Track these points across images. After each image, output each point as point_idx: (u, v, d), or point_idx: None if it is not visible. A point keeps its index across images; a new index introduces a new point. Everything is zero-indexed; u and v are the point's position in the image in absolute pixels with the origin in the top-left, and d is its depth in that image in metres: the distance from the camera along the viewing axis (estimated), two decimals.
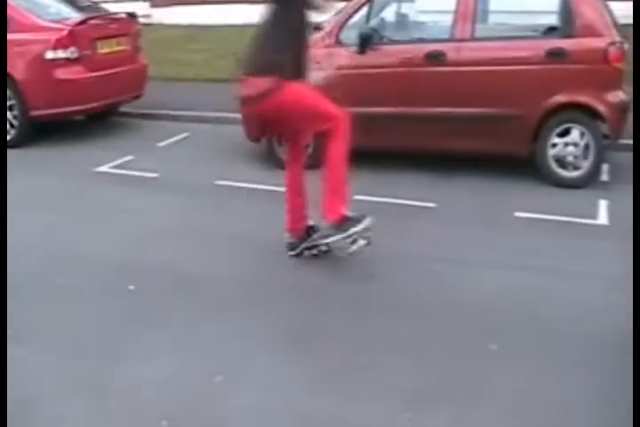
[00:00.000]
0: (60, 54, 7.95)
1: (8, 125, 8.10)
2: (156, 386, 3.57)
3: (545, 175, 6.48)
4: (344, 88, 6.75)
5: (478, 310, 4.28)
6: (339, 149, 4.68)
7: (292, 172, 5.09)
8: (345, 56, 6.82)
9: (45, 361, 3.81)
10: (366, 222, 4.65)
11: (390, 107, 6.63)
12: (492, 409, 3.34)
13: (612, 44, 6.18)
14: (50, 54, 7.90)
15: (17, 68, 7.93)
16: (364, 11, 6.86)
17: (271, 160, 7.23)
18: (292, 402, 3.42)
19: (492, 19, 7.00)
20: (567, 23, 6.36)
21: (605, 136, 6.37)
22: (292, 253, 5.05)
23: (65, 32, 7.98)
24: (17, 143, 8.10)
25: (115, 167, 7.34)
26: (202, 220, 5.83)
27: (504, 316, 4.20)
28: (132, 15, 9.09)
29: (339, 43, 6.86)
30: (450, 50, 6.53)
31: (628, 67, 6.25)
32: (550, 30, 6.55)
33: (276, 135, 5.04)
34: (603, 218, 5.68)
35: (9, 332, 3.90)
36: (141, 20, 9.84)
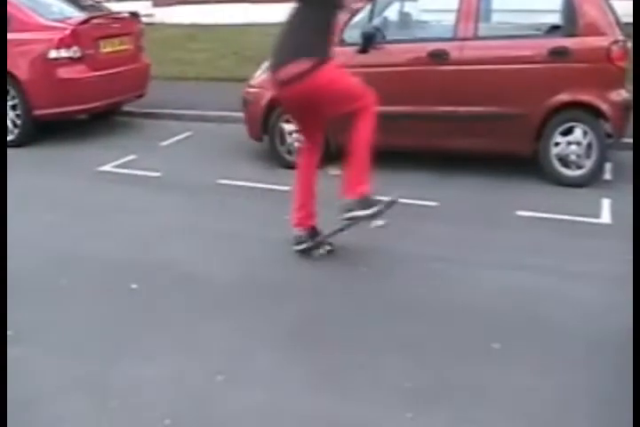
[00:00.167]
0: (63, 53, 7.96)
1: (11, 125, 8.11)
2: (158, 385, 3.56)
3: (548, 174, 6.47)
4: None
5: (479, 309, 4.27)
6: (366, 128, 4.76)
7: (306, 168, 5.09)
8: (347, 55, 6.80)
9: (46, 361, 3.81)
10: (388, 201, 4.81)
11: (393, 106, 6.60)
12: (493, 409, 3.33)
13: (615, 42, 6.17)
14: (53, 53, 7.91)
15: (20, 67, 7.94)
16: (367, 10, 6.85)
17: (274, 159, 7.24)
18: (292, 401, 3.42)
19: (495, 17, 7.00)
20: (570, 22, 6.35)
21: (608, 135, 6.36)
22: (299, 247, 5.02)
23: (68, 31, 7.99)
24: (20, 142, 8.11)
25: (117, 166, 7.35)
26: (204, 219, 5.84)
27: (505, 315, 4.19)
28: (134, 14, 9.10)
29: (341, 42, 6.84)
30: (453, 49, 6.53)
31: (630, 65, 6.24)
32: (553, 29, 6.54)
33: (298, 127, 5.05)
34: (605, 217, 5.68)
35: (10, 332, 3.92)
36: (143, 19, 9.84)
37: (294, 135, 7.06)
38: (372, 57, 6.70)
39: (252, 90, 7.31)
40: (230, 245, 5.28)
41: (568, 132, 6.34)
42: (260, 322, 4.17)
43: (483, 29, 6.61)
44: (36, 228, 5.68)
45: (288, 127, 7.08)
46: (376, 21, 6.92)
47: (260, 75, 7.36)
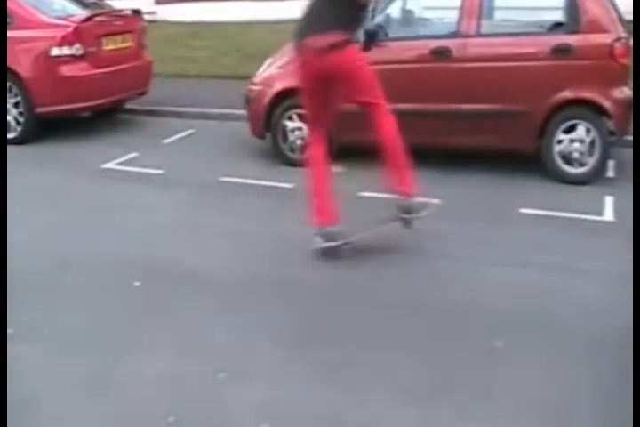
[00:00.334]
0: (66, 51, 7.96)
1: (14, 122, 8.12)
2: (161, 383, 3.57)
3: (550, 172, 6.47)
4: None
5: (482, 307, 4.27)
6: (391, 122, 4.90)
7: (318, 162, 5.11)
8: None
9: (49, 359, 3.82)
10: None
11: (396, 103, 6.57)
12: (496, 406, 3.34)
13: (618, 39, 6.17)
14: (55, 51, 7.91)
15: (22, 65, 7.94)
16: (370, 7, 6.83)
17: (276, 157, 7.24)
18: (295, 399, 3.43)
19: (498, 15, 6.99)
20: (573, 19, 6.34)
21: (611, 132, 6.36)
22: (326, 244, 4.95)
23: (70, 29, 7.99)
24: (23, 140, 8.12)
25: (120, 164, 7.35)
26: (207, 216, 5.84)
27: (508, 313, 4.19)
28: (136, 12, 9.10)
29: None
30: (455, 46, 6.52)
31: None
32: (556, 26, 6.53)
33: (310, 113, 5.03)
34: (608, 214, 5.68)
35: (12, 330, 3.92)
36: (146, 16, 9.84)
37: (297, 133, 7.06)
38: (374, 54, 6.65)
39: (254, 87, 7.31)
40: (233, 243, 5.28)
41: (571, 129, 6.34)
42: (263, 320, 4.17)
43: (485, 27, 6.60)
44: (38, 225, 5.68)
45: (291, 125, 7.08)
46: (378, 19, 6.91)
47: (263, 72, 7.36)
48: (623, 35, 6.20)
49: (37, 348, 3.91)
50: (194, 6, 17.44)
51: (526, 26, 6.90)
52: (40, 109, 8.04)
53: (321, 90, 4.96)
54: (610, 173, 6.60)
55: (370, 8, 4.97)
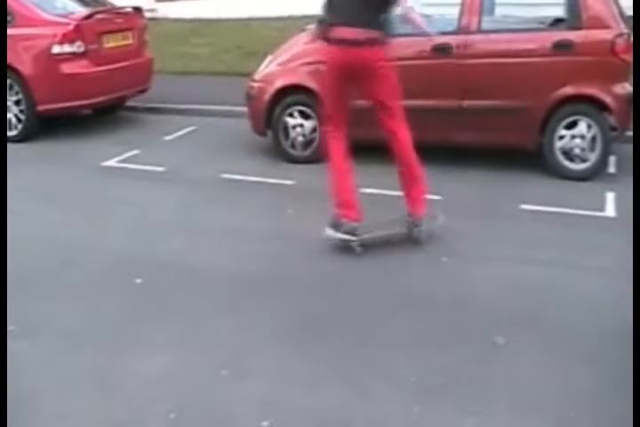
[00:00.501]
0: (67, 49, 7.95)
1: (15, 120, 8.12)
2: (162, 380, 3.57)
3: (552, 168, 6.47)
4: None
5: (484, 303, 4.28)
6: (407, 130, 4.98)
7: (340, 157, 5.06)
8: None
9: (50, 356, 3.82)
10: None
11: None
12: (498, 403, 3.34)
13: (620, 35, 6.16)
14: (56, 49, 7.90)
15: (23, 62, 7.94)
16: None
17: (277, 154, 7.24)
18: (298, 396, 3.43)
19: (499, 11, 6.97)
20: (574, 15, 6.33)
21: (613, 128, 6.36)
22: (355, 238, 4.97)
23: (71, 26, 7.98)
24: (24, 138, 8.12)
25: (121, 161, 7.35)
26: (208, 213, 5.84)
27: (509, 309, 4.20)
28: (137, 9, 9.09)
29: None
30: (456, 42, 6.51)
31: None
32: (557, 22, 6.52)
33: (331, 107, 5.02)
34: (610, 210, 5.68)
35: (14, 327, 3.93)
36: (147, 14, 9.84)
37: (298, 129, 7.06)
38: None
39: (255, 84, 7.30)
40: (234, 240, 5.28)
41: (572, 125, 6.34)
42: (266, 317, 4.17)
43: (486, 23, 6.59)
44: (39, 223, 5.68)
45: (292, 121, 7.08)
46: None
47: (264, 69, 7.35)
48: (624, 30, 6.19)
49: (38, 345, 3.91)
50: (194, 3, 17.42)
51: (527, 22, 6.89)
52: (41, 107, 8.04)
53: (344, 85, 4.99)
54: (611, 169, 6.59)
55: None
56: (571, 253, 4.92)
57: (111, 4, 9.38)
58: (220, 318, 4.15)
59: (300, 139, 7.09)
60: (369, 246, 4.99)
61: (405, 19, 5.12)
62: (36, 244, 5.25)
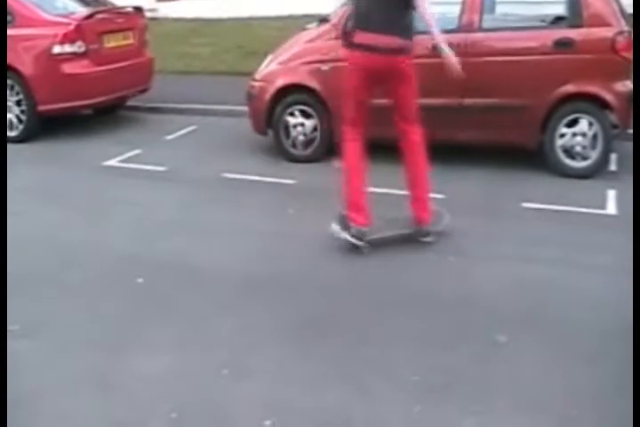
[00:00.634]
0: (67, 49, 7.95)
1: (16, 120, 8.12)
2: (164, 379, 3.57)
3: (553, 166, 6.46)
4: None
5: (485, 301, 4.28)
6: (420, 130, 5.02)
7: (357, 160, 5.08)
8: None
9: (52, 355, 3.82)
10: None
11: None
12: (500, 402, 3.33)
13: (620, 33, 6.16)
14: (57, 49, 7.90)
15: (24, 62, 7.94)
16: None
17: (278, 153, 7.24)
18: (299, 395, 3.43)
19: (500, 9, 6.96)
20: (575, 13, 6.32)
21: (614, 126, 6.35)
22: (362, 243, 4.98)
23: (72, 26, 7.98)
24: (25, 138, 8.12)
25: (122, 161, 7.35)
26: (209, 213, 5.84)
27: (511, 307, 4.19)
28: (138, 9, 9.09)
29: None
30: (457, 41, 6.49)
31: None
32: (558, 20, 6.51)
33: (354, 110, 5.01)
34: (611, 208, 5.67)
35: (16, 327, 3.93)
36: (147, 13, 9.83)
37: (299, 129, 7.06)
38: None
39: (256, 84, 7.30)
40: (236, 239, 5.28)
41: (573, 123, 6.33)
42: (266, 316, 4.17)
43: (487, 21, 6.59)
44: (40, 223, 5.68)
45: (292, 121, 7.07)
46: None
47: (264, 68, 7.35)
48: (625, 28, 6.18)
49: (39, 345, 3.91)
50: (195, 3, 17.43)
51: (528, 20, 6.87)
52: (42, 107, 8.04)
53: (369, 90, 5.00)
54: (612, 167, 6.59)
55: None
56: (572, 252, 4.92)
57: (112, 4, 9.38)
58: (221, 318, 4.15)
59: (301, 138, 7.09)
60: (371, 246, 4.98)
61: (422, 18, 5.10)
62: (36, 244, 5.24)
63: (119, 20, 8.74)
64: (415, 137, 5.04)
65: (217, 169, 6.89)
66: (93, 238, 5.37)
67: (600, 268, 4.67)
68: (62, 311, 4.28)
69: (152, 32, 9.51)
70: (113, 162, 7.31)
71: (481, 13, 6.55)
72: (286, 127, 7.13)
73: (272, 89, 7.10)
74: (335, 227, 5.02)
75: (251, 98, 7.36)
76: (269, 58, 7.47)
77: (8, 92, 8.02)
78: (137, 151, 7.65)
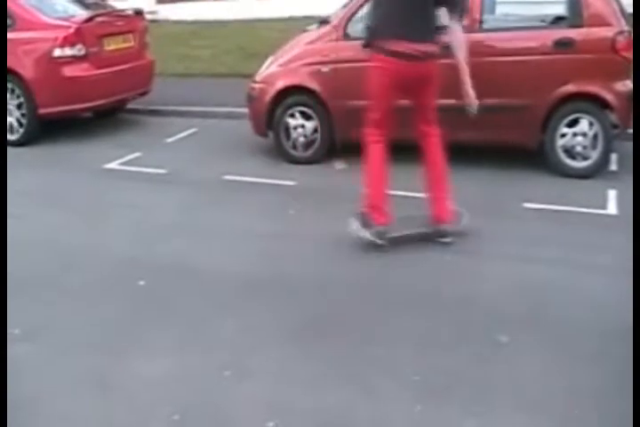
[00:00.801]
0: (68, 52, 7.95)
1: (16, 124, 8.12)
2: (166, 381, 3.56)
3: (554, 166, 6.46)
4: (352, 81, 6.74)
5: (487, 301, 4.27)
6: (439, 131, 5.17)
7: (380, 162, 5.09)
8: (352, 50, 6.78)
9: (53, 359, 3.81)
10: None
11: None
12: (502, 402, 3.33)
13: (621, 33, 6.15)
14: (57, 52, 7.91)
15: (25, 66, 7.95)
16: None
17: (279, 154, 7.24)
18: (302, 396, 3.42)
19: (500, 9, 6.96)
20: (575, 13, 6.32)
21: (614, 126, 6.34)
22: (382, 242, 5.00)
23: (72, 30, 7.98)
24: (25, 141, 8.13)
25: (123, 164, 7.35)
26: (210, 215, 5.84)
27: (513, 308, 4.19)
28: (138, 12, 9.09)
29: (346, 36, 6.84)
30: None
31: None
32: (558, 20, 6.50)
33: (381, 112, 5.03)
34: (612, 208, 5.66)
35: (16, 331, 3.93)
36: (147, 16, 9.84)
37: (299, 130, 7.06)
38: None
39: (256, 85, 7.30)
40: (237, 241, 5.28)
41: (574, 123, 6.32)
42: (267, 317, 4.17)
43: (487, 21, 6.58)
44: (40, 226, 5.69)
45: (293, 122, 7.07)
46: None
47: (265, 70, 7.35)
48: (626, 28, 6.17)
49: (39, 348, 3.91)
50: (195, 5, 17.45)
51: (528, 20, 6.87)
52: (42, 110, 8.04)
53: (396, 94, 5.03)
54: (613, 167, 6.58)
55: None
56: (572, 252, 4.91)
57: (112, 7, 9.41)
58: (221, 320, 4.15)
59: (302, 139, 7.09)
60: (372, 246, 4.98)
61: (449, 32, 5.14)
62: (36, 247, 5.24)
63: (119, 23, 8.73)
64: (435, 138, 5.14)
65: (217, 171, 6.89)
66: (93, 241, 5.37)
67: (600, 268, 4.66)
68: (62, 314, 4.28)
69: (152, 34, 9.51)
70: (113, 165, 7.31)
71: (481, 14, 6.55)
72: (287, 129, 7.13)
73: (272, 91, 7.10)
74: (355, 225, 5.05)
75: (251, 100, 7.36)
76: (270, 60, 7.47)
77: (8, 95, 8.02)
78: (137, 154, 7.65)
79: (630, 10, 6.65)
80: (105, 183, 6.77)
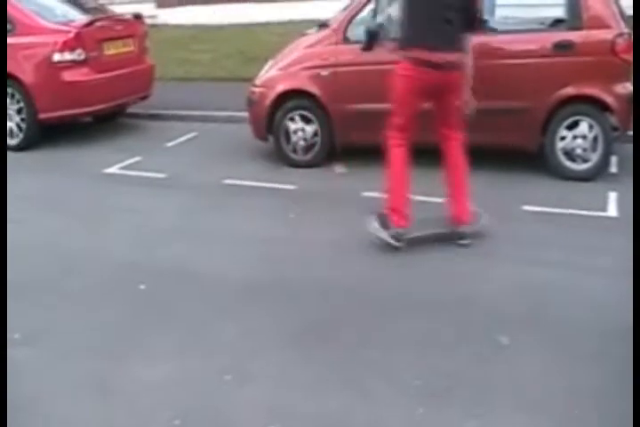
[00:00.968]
0: (67, 56, 7.96)
1: (16, 128, 8.13)
2: (166, 386, 3.56)
3: (554, 168, 6.45)
4: (351, 85, 6.76)
5: (487, 303, 4.27)
6: (461, 133, 5.19)
7: (403, 165, 5.10)
8: (352, 53, 6.79)
9: (51, 363, 3.81)
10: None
11: None
12: (502, 403, 3.32)
13: (620, 35, 6.15)
14: (57, 57, 7.91)
15: (25, 71, 7.95)
16: (371, 7, 6.82)
17: (279, 158, 7.24)
18: (302, 400, 3.42)
19: (499, 12, 6.97)
20: (574, 15, 6.32)
21: (614, 128, 6.34)
22: (399, 244, 5.02)
23: (72, 34, 7.99)
24: (25, 146, 8.13)
25: (123, 168, 7.35)
26: (211, 219, 5.84)
27: (513, 310, 4.18)
28: (137, 16, 9.10)
29: (345, 40, 6.85)
30: None
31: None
32: (557, 23, 6.50)
33: (405, 116, 5.04)
34: (612, 210, 5.66)
35: (16, 335, 3.93)
36: (147, 20, 9.84)
37: (299, 134, 7.06)
38: (376, 54, 6.68)
39: (256, 89, 7.30)
40: (237, 246, 5.28)
41: (574, 125, 6.32)
42: (268, 321, 4.16)
43: (487, 24, 6.58)
44: (40, 230, 5.69)
45: (293, 126, 7.07)
46: (380, 18, 6.89)
47: (265, 74, 7.35)
48: (625, 30, 6.18)
49: (39, 352, 3.90)
50: (194, 10, 17.46)
51: (528, 23, 6.87)
52: (42, 115, 8.05)
53: (422, 100, 5.07)
54: (613, 169, 6.58)
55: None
56: (573, 254, 4.91)
57: (111, 11, 9.40)
58: (222, 324, 4.14)
59: (302, 143, 7.09)
60: (371, 250, 4.98)
61: None
62: (36, 251, 5.24)
63: (119, 28, 8.74)
64: (456, 141, 5.17)
65: (217, 175, 6.89)
66: (94, 246, 5.37)
67: (600, 269, 4.66)
68: (63, 318, 4.28)
69: (152, 39, 9.53)
70: (113, 169, 7.32)
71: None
72: (287, 133, 7.13)
73: (272, 94, 7.10)
74: (374, 224, 5.07)
75: (251, 104, 7.36)
76: (269, 63, 7.48)
77: (8, 100, 8.03)
78: (137, 158, 7.65)
79: (630, 12, 6.65)
80: (105, 188, 6.77)
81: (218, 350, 3.86)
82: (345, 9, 7.07)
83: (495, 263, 4.81)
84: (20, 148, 8.08)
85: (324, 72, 6.89)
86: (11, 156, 7.37)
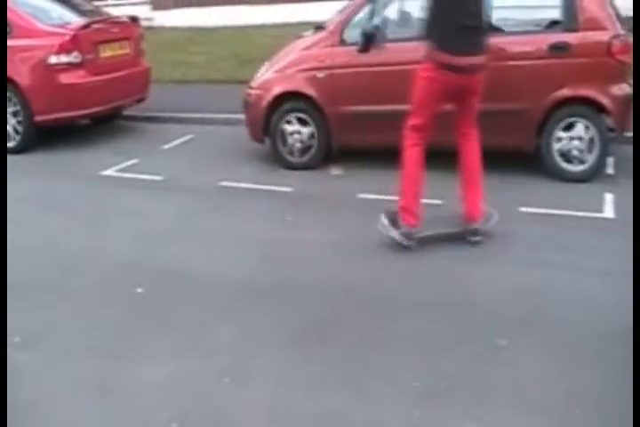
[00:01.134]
0: (63, 59, 7.95)
1: (13, 131, 8.12)
2: (164, 388, 3.56)
3: (550, 170, 6.47)
4: (348, 87, 6.77)
5: (485, 305, 4.27)
6: (478, 134, 5.22)
7: (417, 165, 5.14)
8: (348, 55, 6.81)
9: (51, 363, 3.81)
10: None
11: (395, 104, 6.60)
12: (502, 405, 3.33)
13: (616, 37, 6.17)
14: (53, 59, 7.91)
15: (21, 73, 7.95)
16: (367, 9, 6.83)
17: (275, 161, 7.24)
18: (301, 401, 3.42)
19: (495, 14, 6.99)
20: (570, 17, 6.33)
21: (610, 129, 6.36)
22: (409, 243, 5.06)
23: (68, 37, 7.99)
24: (22, 149, 8.13)
25: (120, 171, 7.35)
26: (207, 221, 5.84)
27: (511, 312, 4.19)
28: (133, 18, 9.11)
29: (342, 42, 6.86)
30: None
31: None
32: (553, 24, 6.52)
33: (424, 116, 5.04)
34: (609, 211, 5.67)
35: (16, 338, 3.93)
36: (143, 23, 9.85)
37: (296, 136, 7.07)
38: (373, 56, 6.70)
39: (252, 91, 7.31)
40: (234, 248, 5.28)
41: (570, 127, 6.34)
42: (267, 322, 4.17)
43: None
44: (38, 232, 5.68)
45: (289, 128, 7.08)
46: (376, 20, 6.90)
47: (261, 76, 7.36)
48: (621, 32, 6.20)
49: (39, 352, 3.91)
50: (190, 12, 17.48)
51: (524, 24, 6.90)
52: (39, 118, 8.04)
53: (443, 103, 5.09)
54: (609, 170, 6.60)
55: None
56: (570, 255, 4.92)
57: (107, 14, 9.41)
58: (221, 324, 4.15)
59: (298, 145, 7.10)
60: (370, 251, 4.99)
61: None
62: (36, 252, 5.25)
63: (115, 30, 8.73)
64: (473, 140, 5.20)
65: (214, 178, 6.89)
66: (93, 246, 5.37)
67: (598, 271, 4.67)
68: (63, 319, 4.28)
69: (148, 41, 9.53)
70: (110, 172, 7.31)
71: None
72: (283, 135, 7.14)
73: (269, 97, 7.11)
74: (385, 222, 5.08)
75: (247, 106, 7.37)
76: (266, 66, 7.48)
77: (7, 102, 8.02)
78: (134, 161, 7.65)
79: (628, 14, 6.67)
80: (103, 190, 6.77)
81: (217, 351, 3.87)
82: (341, 11, 7.08)
83: (493, 265, 4.82)
84: (16, 150, 8.07)
85: (321, 74, 6.90)
86: (8, 158, 7.34)
